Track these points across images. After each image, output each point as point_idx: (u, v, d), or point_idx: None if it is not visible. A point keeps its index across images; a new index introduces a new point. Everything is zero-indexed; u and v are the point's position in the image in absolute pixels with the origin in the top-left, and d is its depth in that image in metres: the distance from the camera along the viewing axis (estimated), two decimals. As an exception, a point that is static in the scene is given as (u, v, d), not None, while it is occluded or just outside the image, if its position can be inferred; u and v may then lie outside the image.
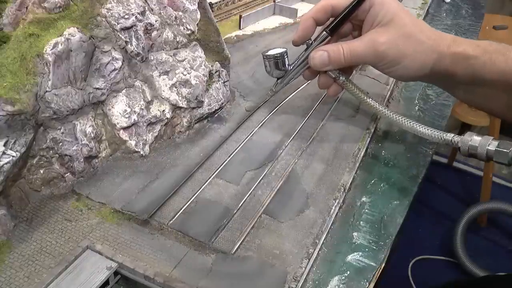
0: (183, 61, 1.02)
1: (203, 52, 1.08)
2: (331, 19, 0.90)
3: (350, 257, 0.77)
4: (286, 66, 0.94)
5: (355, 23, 0.92)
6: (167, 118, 0.99)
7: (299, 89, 1.26)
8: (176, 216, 0.82)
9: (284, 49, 0.92)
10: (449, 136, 0.79)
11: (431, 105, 1.25)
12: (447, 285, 1.51)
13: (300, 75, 0.98)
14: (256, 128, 1.08)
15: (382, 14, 0.84)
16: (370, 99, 0.93)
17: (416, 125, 0.83)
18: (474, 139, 0.75)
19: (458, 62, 0.82)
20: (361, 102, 0.97)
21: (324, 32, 0.89)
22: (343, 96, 1.23)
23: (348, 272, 0.74)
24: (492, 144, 0.72)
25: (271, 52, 0.92)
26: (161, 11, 1.01)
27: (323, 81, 0.95)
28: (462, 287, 1.46)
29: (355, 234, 0.82)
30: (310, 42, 0.91)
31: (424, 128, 0.83)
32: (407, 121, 0.86)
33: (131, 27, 0.91)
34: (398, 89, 1.32)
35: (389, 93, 1.26)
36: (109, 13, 0.88)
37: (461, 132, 2.90)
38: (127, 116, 0.92)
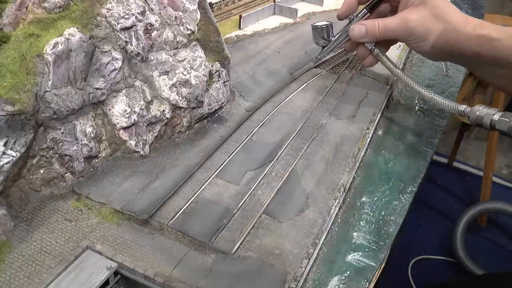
0: (183, 61, 1.02)
1: (203, 52, 1.08)
2: None
3: (350, 257, 0.77)
4: (330, 37, 1.03)
5: (393, 4, 1.01)
6: (167, 118, 1.00)
7: (299, 89, 1.26)
8: (176, 216, 0.82)
9: (330, 22, 1.01)
10: (462, 107, 0.89)
11: (431, 105, 1.25)
12: (447, 284, 1.51)
13: (342, 46, 1.06)
14: (256, 128, 1.08)
15: None
16: (400, 71, 1.01)
17: (436, 96, 0.93)
18: (481, 110, 0.84)
19: (482, 43, 0.87)
20: (392, 74, 1.04)
21: (364, 9, 1.00)
22: (343, 96, 1.23)
23: (348, 272, 0.74)
24: (496, 114, 0.81)
25: (318, 24, 1.04)
26: (161, 11, 1.01)
27: (360, 52, 1.06)
28: (461, 286, 1.46)
29: (355, 234, 0.82)
30: (352, 17, 1.02)
31: (442, 99, 0.93)
32: (428, 92, 0.95)
33: (131, 27, 0.91)
34: (398, 89, 1.32)
35: (389, 93, 1.26)
36: (109, 13, 0.88)
37: (461, 131, 2.88)
38: (127, 116, 0.92)
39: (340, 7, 1.02)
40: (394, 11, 1.02)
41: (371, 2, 0.99)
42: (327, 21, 1.02)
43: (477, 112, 0.82)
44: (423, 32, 0.90)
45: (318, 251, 0.77)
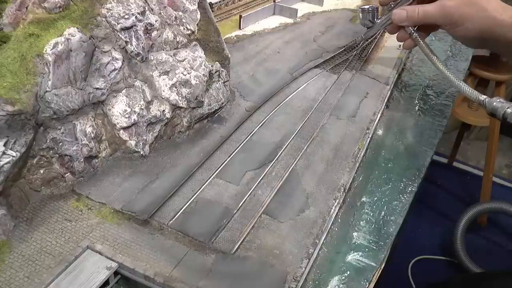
0: (183, 61, 1.02)
1: (203, 52, 1.08)
2: None
3: (350, 257, 0.77)
4: (375, 19, 1.08)
5: None
6: (167, 118, 1.00)
7: (299, 89, 1.26)
8: (176, 216, 0.82)
9: (376, 6, 1.08)
10: (483, 97, 0.92)
11: (431, 105, 1.25)
12: (448, 282, 1.52)
13: (385, 28, 1.11)
14: (256, 128, 1.08)
15: None
16: (435, 57, 1.06)
17: (463, 85, 0.96)
18: (497, 102, 0.88)
19: None
20: (427, 58, 1.08)
21: None
22: (343, 96, 1.23)
23: (348, 272, 0.74)
24: (510, 108, 0.85)
25: (365, 7, 1.09)
26: (161, 11, 1.01)
27: (400, 35, 1.15)
28: (462, 284, 1.46)
29: (355, 234, 0.82)
30: (396, 3, 1.07)
31: (468, 88, 0.99)
32: (457, 80, 0.99)
33: (131, 27, 0.91)
34: (398, 89, 1.32)
35: (389, 93, 1.26)
36: (109, 13, 0.88)
37: (461, 132, 2.87)
38: (127, 116, 0.92)
39: None
40: None
41: None
42: (374, 5, 1.08)
43: (494, 103, 0.88)
44: (459, 18, 0.95)
45: (318, 251, 0.77)
